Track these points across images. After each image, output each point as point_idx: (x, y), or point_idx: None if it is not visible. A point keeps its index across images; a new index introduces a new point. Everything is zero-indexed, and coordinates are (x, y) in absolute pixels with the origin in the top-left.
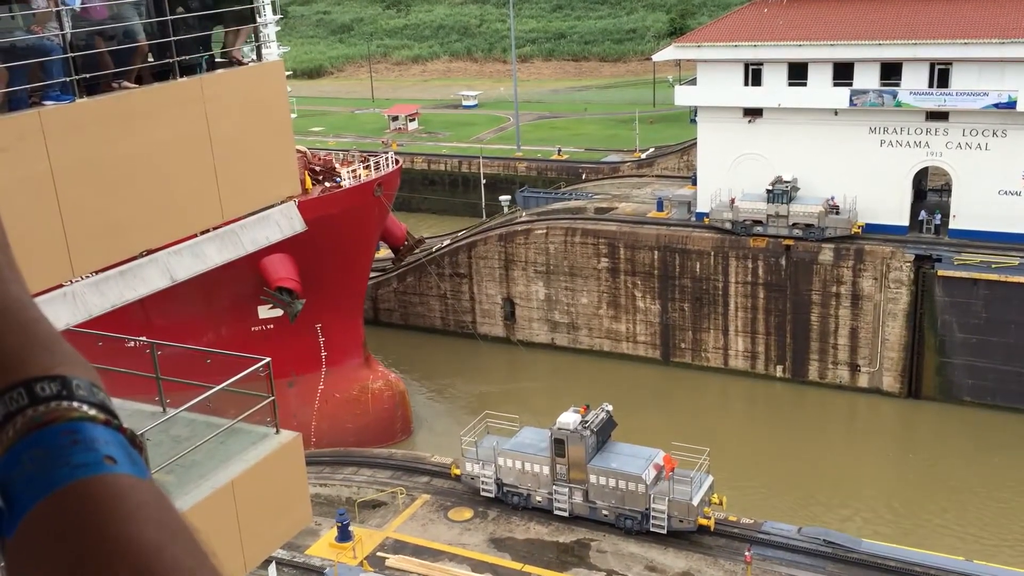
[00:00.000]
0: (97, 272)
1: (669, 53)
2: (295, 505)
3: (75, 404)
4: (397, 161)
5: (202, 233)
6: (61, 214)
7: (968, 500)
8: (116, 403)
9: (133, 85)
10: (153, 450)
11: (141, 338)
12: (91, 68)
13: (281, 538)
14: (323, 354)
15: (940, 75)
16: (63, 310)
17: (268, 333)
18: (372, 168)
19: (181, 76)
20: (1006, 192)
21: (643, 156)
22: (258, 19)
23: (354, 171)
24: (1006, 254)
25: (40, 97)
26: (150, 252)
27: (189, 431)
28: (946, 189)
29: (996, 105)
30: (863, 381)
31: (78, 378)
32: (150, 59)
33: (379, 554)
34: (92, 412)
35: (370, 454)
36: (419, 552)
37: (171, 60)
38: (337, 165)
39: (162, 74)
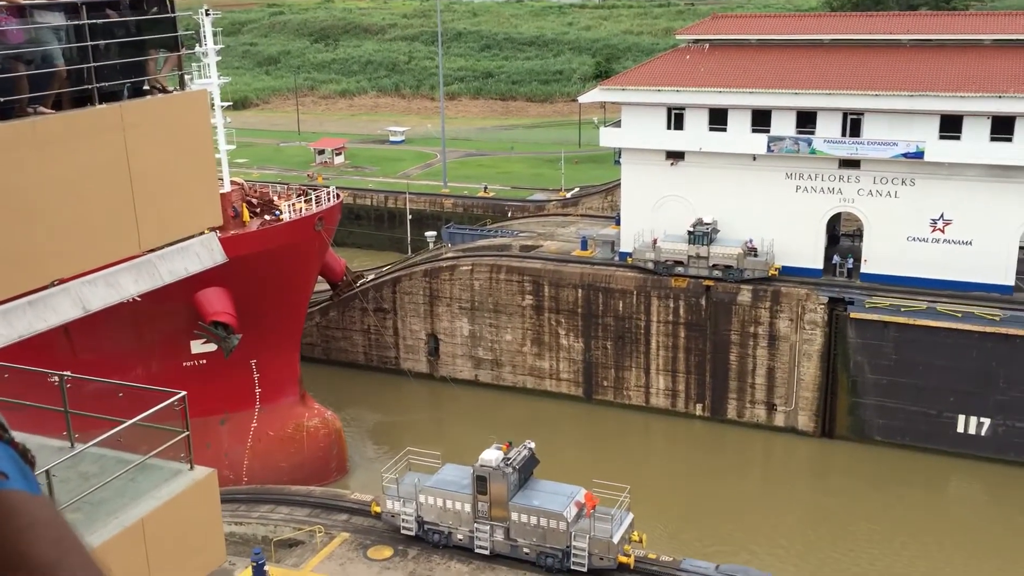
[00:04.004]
0: (5, 301)
1: (594, 95)
2: (208, 544)
3: None
4: (338, 195)
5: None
6: None
7: (879, 538)
8: (21, 437)
9: (49, 111)
10: (60, 487)
11: (65, 373)
12: (5, 92)
13: None
14: (257, 391)
15: (853, 124)
16: None
17: (201, 368)
18: (313, 202)
19: (101, 103)
20: (914, 239)
21: (568, 195)
22: (198, 48)
23: (294, 205)
24: (915, 298)
25: None
26: (62, 281)
27: (98, 467)
28: (858, 234)
29: (905, 155)
30: (779, 420)
31: None
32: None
33: None
34: None
35: (288, 491)
36: None
37: (90, 87)
38: (275, 198)
39: (84, 100)
